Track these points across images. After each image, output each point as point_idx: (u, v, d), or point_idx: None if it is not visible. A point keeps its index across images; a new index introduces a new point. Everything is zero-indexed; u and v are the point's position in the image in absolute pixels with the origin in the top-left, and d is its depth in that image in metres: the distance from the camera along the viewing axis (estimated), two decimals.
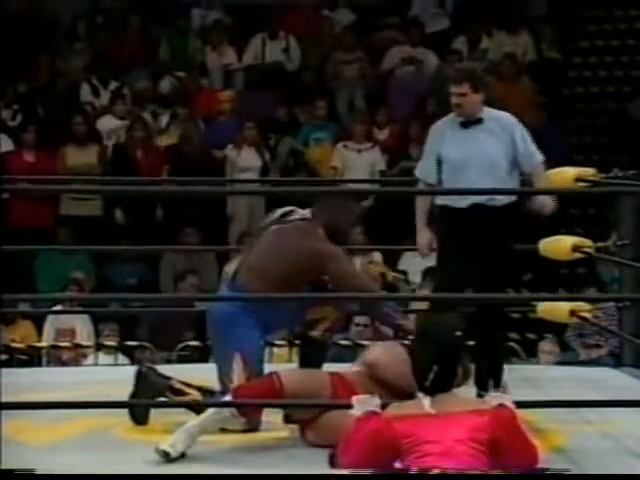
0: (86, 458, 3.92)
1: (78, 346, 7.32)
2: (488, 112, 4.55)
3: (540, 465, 3.26)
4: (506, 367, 4.68)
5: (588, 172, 5.00)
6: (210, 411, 3.96)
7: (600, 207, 8.63)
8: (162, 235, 8.56)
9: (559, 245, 4.95)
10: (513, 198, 4.50)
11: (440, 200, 4.54)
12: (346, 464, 3.22)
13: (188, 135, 9.31)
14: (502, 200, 4.44)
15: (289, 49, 10.47)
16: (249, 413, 4.05)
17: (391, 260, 8.49)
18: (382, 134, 9.64)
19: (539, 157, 4.56)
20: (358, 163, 9.22)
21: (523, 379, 4.88)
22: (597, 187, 4.96)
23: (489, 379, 4.43)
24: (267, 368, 4.29)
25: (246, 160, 9.15)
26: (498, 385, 4.31)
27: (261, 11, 10.47)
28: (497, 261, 4.43)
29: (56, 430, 4.24)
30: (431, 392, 3.17)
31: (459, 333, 3.39)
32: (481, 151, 4.46)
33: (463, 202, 4.44)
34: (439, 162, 4.54)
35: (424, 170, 4.61)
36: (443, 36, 10.63)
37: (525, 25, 10.61)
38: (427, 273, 8.13)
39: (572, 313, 5.13)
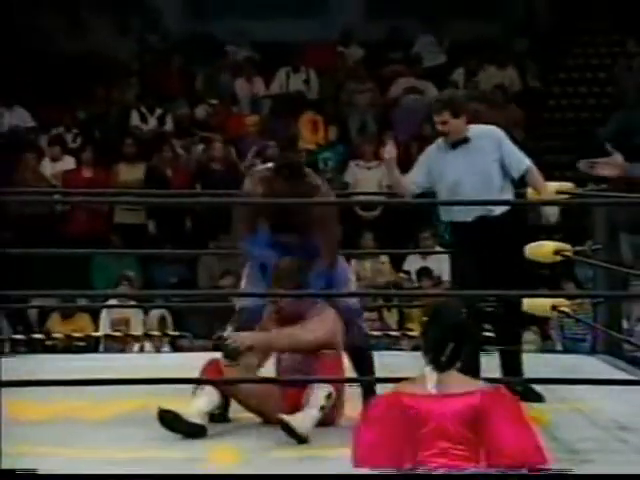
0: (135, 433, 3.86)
1: (128, 335, 7.31)
2: (474, 129, 4.43)
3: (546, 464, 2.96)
4: (493, 355, 4.62)
5: (567, 186, 4.95)
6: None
7: (577, 217, 8.56)
8: (196, 241, 8.53)
9: (542, 249, 4.89)
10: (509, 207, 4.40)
11: (447, 217, 4.44)
12: (363, 443, 2.98)
13: (219, 155, 9.29)
14: (500, 209, 4.34)
15: (309, 80, 10.48)
16: None
17: (397, 262, 8.45)
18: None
19: (526, 162, 4.43)
20: (368, 179, 9.18)
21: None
22: (575, 199, 4.91)
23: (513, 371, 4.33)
24: None
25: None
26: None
27: (285, 48, 10.46)
28: (510, 263, 4.34)
29: (108, 407, 4.19)
30: (444, 368, 2.95)
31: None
32: (473, 168, 4.35)
33: (468, 216, 4.34)
34: (432, 182, 4.42)
35: (409, 177, 4.48)
36: (440, 69, 10.62)
37: (511, 60, 10.59)
38: (421, 272, 8.12)
39: (553, 308, 5.08)
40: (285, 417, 3.76)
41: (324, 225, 4.04)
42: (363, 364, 4.11)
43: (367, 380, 4.05)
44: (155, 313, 7.82)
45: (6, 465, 3.19)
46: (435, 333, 2.99)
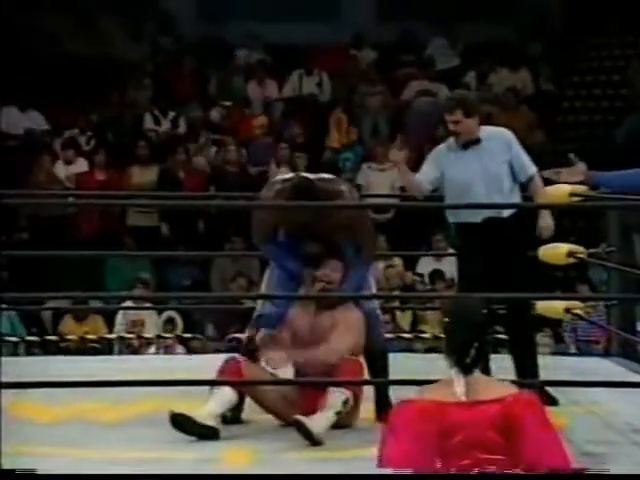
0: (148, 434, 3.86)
1: (141, 337, 7.32)
2: (485, 131, 4.40)
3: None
4: (508, 357, 4.59)
5: (581, 189, 4.92)
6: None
7: (590, 219, 8.53)
8: (209, 244, 8.52)
9: (556, 251, 4.87)
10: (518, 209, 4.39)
11: (454, 218, 4.42)
12: (392, 452, 2.87)
13: (233, 157, 9.28)
14: (509, 211, 4.33)
15: (322, 83, 10.47)
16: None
17: (409, 264, 8.43)
18: (401, 155, 9.54)
19: (532, 168, 4.41)
20: (381, 181, 9.17)
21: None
22: (589, 202, 4.89)
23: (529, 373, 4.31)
24: None
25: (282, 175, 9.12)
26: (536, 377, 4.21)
27: (298, 51, 10.46)
28: (517, 265, 4.31)
29: (122, 409, 4.19)
30: (469, 369, 2.86)
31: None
32: (483, 169, 4.32)
33: (477, 217, 4.31)
34: (441, 181, 4.40)
35: (420, 176, 4.44)
36: (453, 72, 10.60)
37: (524, 63, 10.56)
38: (434, 275, 8.11)
39: (567, 310, 5.06)
40: (301, 418, 3.75)
41: (355, 228, 4.01)
42: (379, 368, 4.09)
43: (383, 384, 4.03)
44: (163, 315, 7.82)
45: (19, 465, 3.18)
46: (459, 334, 2.90)
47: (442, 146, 4.48)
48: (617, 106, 10.28)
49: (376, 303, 4.17)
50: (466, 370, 2.86)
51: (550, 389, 4.26)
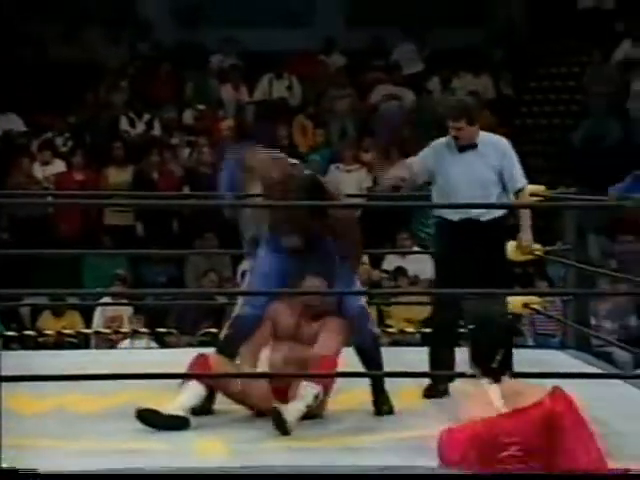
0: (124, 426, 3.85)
1: (117, 332, 7.29)
2: (484, 137, 4.41)
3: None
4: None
5: (540, 189, 4.96)
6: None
7: (548, 218, 8.60)
8: (183, 242, 8.51)
9: (515, 249, 4.89)
10: (498, 214, 4.35)
11: (436, 213, 4.45)
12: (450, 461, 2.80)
13: (205, 157, 9.27)
14: (488, 215, 4.32)
15: (292, 87, 10.48)
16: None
17: (376, 261, 8.46)
18: (368, 157, 9.63)
19: (522, 181, 4.41)
20: (348, 181, 9.20)
21: None
22: (547, 202, 4.93)
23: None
24: None
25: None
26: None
27: (269, 56, 10.46)
28: (493, 266, 4.30)
29: (98, 401, 4.17)
30: (498, 374, 2.80)
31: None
32: (472, 173, 4.32)
33: (456, 216, 4.33)
34: (432, 177, 4.40)
35: (415, 162, 4.46)
36: (418, 77, 10.65)
37: (486, 69, 10.63)
38: (397, 272, 8.16)
39: (525, 305, 5.09)
40: (279, 407, 3.75)
41: (345, 232, 4.00)
42: (373, 362, 4.09)
43: (377, 377, 4.04)
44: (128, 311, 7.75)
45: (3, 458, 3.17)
46: (485, 341, 2.82)
47: (440, 142, 4.46)
48: (573, 110, 10.36)
49: (364, 302, 4.15)
50: (496, 378, 2.77)
51: None
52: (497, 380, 2.77)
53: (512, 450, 2.69)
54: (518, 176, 4.42)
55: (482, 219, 4.32)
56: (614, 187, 3.63)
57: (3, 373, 3.42)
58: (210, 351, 4.07)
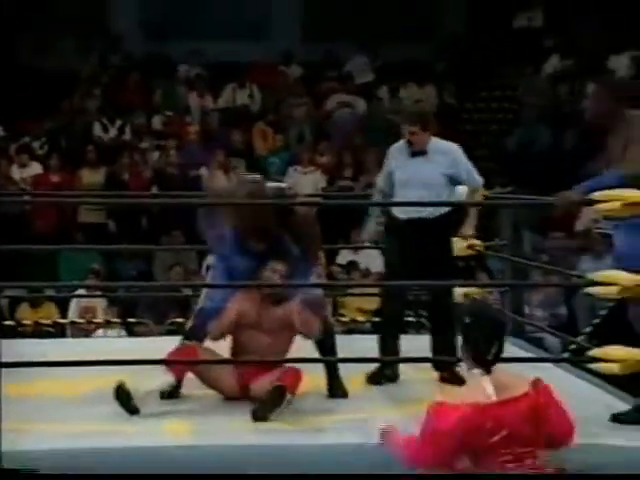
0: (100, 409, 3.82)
1: (91, 322, 7.23)
2: (434, 143, 4.38)
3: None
4: (416, 337, 4.64)
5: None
6: None
7: (487, 216, 8.67)
8: (152, 238, 8.47)
9: (457, 244, 4.93)
10: (443, 214, 4.35)
11: (391, 210, 4.45)
12: (425, 458, 2.69)
13: (172, 160, 9.23)
14: (433, 214, 4.32)
15: (253, 95, 10.48)
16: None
17: (331, 257, 8.48)
18: (323, 160, 9.64)
19: (480, 180, 4.43)
20: (305, 182, 9.21)
21: (427, 346, 4.85)
22: (485, 201, 4.97)
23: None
24: None
25: (217, 179, 9.11)
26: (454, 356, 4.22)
27: (232, 67, 10.43)
28: (431, 263, 4.29)
29: (76, 387, 4.14)
30: (490, 366, 2.72)
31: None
32: (420, 177, 4.31)
33: (404, 215, 4.36)
34: (391, 178, 4.43)
35: (380, 181, 4.51)
36: (369, 86, 10.69)
37: (431, 79, 10.70)
38: (350, 265, 8.20)
39: (466, 296, 5.12)
40: (279, 385, 3.70)
41: (302, 232, 4.00)
42: (328, 350, 4.09)
43: (332, 363, 4.04)
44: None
45: None
46: (480, 334, 2.75)
47: (395, 147, 4.47)
48: (508, 118, 10.47)
49: (320, 291, 4.16)
50: (488, 369, 2.72)
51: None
52: (489, 371, 2.73)
53: (500, 436, 2.67)
54: (475, 175, 4.43)
55: (427, 218, 4.33)
56: (579, 186, 3.65)
57: None
58: (177, 340, 4.04)
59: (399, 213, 4.38)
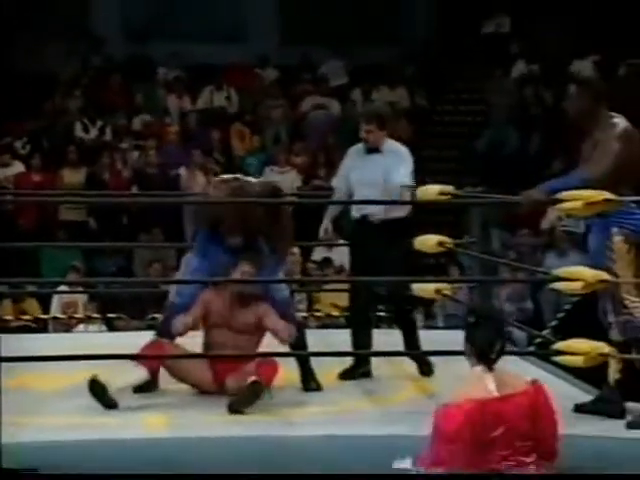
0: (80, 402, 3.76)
1: (71, 318, 7.16)
2: (388, 144, 4.35)
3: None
4: (388, 331, 4.63)
5: (448, 188, 4.98)
6: None
7: (457, 214, 8.69)
8: (131, 235, 8.41)
9: (428, 242, 4.92)
10: (391, 214, 4.29)
11: (349, 210, 4.43)
12: (442, 461, 2.68)
13: (151, 160, 9.18)
14: (380, 215, 4.27)
15: (230, 97, 10.42)
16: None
17: (306, 252, 8.46)
18: (298, 160, 9.63)
19: (399, 179, 4.28)
20: (281, 182, 9.17)
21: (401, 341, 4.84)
22: (455, 199, 4.96)
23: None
24: None
25: (195, 179, 9.06)
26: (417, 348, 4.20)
27: (210, 69, 10.37)
28: (383, 258, 4.26)
29: (56, 380, 4.08)
30: (493, 363, 2.72)
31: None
32: (369, 176, 4.28)
33: (358, 213, 4.34)
34: (348, 178, 4.39)
35: (337, 182, 4.49)
36: (343, 89, 10.68)
37: (402, 82, 10.69)
38: (324, 262, 8.18)
39: (437, 291, 5.11)
40: (256, 381, 3.66)
41: (274, 229, 3.98)
42: (299, 346, 4.05)
43: (304, 357, 4.01)
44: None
45: None
46: (485, 334, 2.75)
47: (354, 147, 4.44)
48: (478, 120, 10.50)
49: (287, 291, 4.13)
50: (489, 367, 2.72)
51: (430, 358, 4.30)
52: (491, 369, 2.73)
53: (501, 431, 2.67)
54: (401, 173, 4.28)
55: (373, 217, 4.27)
56: (543, 185, 3.64)
57: None
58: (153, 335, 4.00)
59: (353, 212, 4.35)
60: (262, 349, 3.98)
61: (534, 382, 2.80)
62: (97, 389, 3.70)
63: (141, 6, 11.23)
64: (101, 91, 10.40)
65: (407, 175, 4.34)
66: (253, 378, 3.69)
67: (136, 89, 10.48)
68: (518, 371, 2.94)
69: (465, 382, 2.76)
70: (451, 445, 2.68)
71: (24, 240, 7.97)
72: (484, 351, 2.74)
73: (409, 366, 4.32)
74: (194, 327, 3.94)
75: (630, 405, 3.61)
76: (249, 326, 3.95)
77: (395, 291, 4.40)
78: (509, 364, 3.13)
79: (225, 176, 4.22)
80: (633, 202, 3.57)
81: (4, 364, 3.58)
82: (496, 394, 2.70)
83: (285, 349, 4.03)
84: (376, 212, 4.27)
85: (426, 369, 4.27)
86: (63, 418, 3.57)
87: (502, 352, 2.77)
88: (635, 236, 3.58)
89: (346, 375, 4.23)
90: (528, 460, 2.71)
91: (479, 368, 2.73)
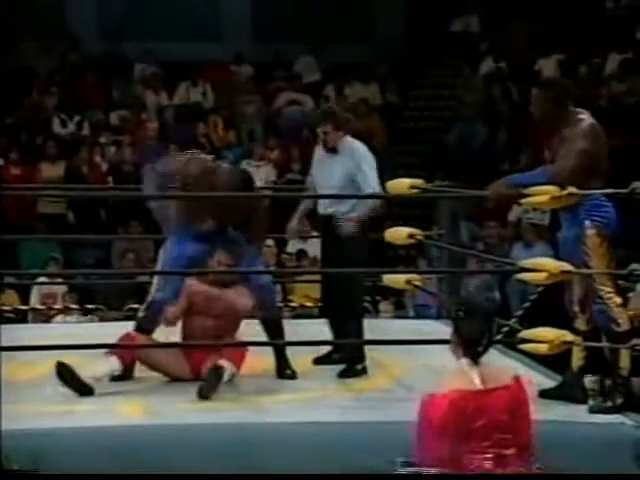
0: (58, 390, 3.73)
1: (50, 309, 7.10)
2: (347, 143, 4.29)
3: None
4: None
5: (418, 182, 4.97)
6: None
7: (426, 207, 8.71)
8: (109, 228, 8.37)
9: (399, 234, 4.91)
10: (346, 210, 4.23)
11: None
12: (431, 450, 2.66)
13: (128, 155, 9.12)
14: (340, 211, 4.22)
15: (206, 93, 10.37)
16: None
17: (281, 245, 8.45)
18: (273, 155, 9.60)
19: (371, 188, 4.23)
20: (257, 175, 9.13)
21: (371, 329, 4.84)
22: (425, 193, 4.95)
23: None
24: None
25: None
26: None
27: (186, 66, 10.31)
28: (341, 253, 4.21)
29: (35, 369, 4.04)
30: (479, 357, 2.69)
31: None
32: (330, 173, 4.25)
33: (321, 210, 4.32)
34: (314, 177, 4.38)
35: (308, 180, 4.50)
36: (316, 85, 10.64)
37: (374, 78, 10.67)
38: (299, 254, 8.18)
39: (407, 282, 5.11)
40: (217, 366, 3.66)
41: (254, 219, 3.95)
42: (276, 333, 4.05)
43: (280, 346, 4.00)
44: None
45: None
46: (473, 327, 2.70)
47: (317, 148, 4.41)
48: (447, 116, 10.52)
49: (269, 280, 4.11)
50: (475, 360, 2.70)
51: (400, 348, 4.29)
52: (476, 362, 2.70)
53: (482, 422, 2.65)
54: (370, 182, 4.22)
55: (335, 214, 4.22)
56: (509, 178, 3.63)
57: None
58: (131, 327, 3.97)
59: (320, 209, 4.33)
60: (239, 338, 3.96)
61: (517, 378, 2.78)
62: (65, 374, 3.66)
63: (117, 5, 11.16)
64: (78, 87, 10.33)
65: (374, 178, 4.27)
66: (216, 363, 3.66)
67: (113, 85, 10.41)
68: (486, 359, 2.94)
69: (450, 374, 2.75)
70: (437, 432, 2.67)
71: (3, 233, 7.87)
72: (471, 344, 2.71)
73: (380, 354, 4.33)
74: (181, 317, 3.92)
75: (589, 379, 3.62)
76: (224, 310, 3.94)
77: (347, 285, 4.34)
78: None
79: (197, 154, 4.19)
80: (603, 195, 3.58)
81: None
82: (481, 387, 2.69)
83: (262, 335, 4.02)
84: (337, 210, 4.23)
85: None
86: (38, 406, 3.53)
87: (489, 346, 2.75)
88: (606, 229, 3.59)
89: (320, 360, 4.23)
90: (508, 452, 2.70)
91: (465, 361, 2.71)
